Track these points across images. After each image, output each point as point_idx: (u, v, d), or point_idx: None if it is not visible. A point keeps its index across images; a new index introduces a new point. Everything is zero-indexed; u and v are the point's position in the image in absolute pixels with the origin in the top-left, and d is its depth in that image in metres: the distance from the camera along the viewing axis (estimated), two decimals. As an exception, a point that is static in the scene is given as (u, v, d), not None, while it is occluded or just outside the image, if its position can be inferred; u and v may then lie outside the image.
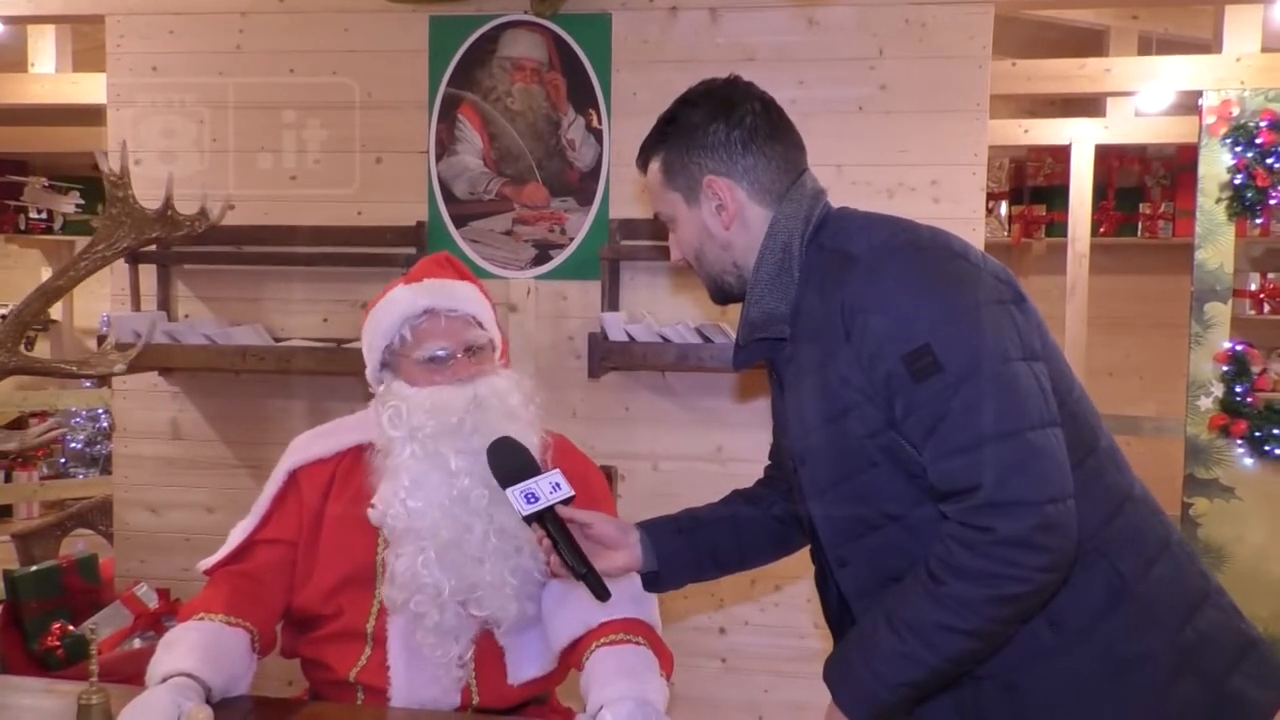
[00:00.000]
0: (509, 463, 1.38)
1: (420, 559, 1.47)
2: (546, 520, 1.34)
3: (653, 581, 1.51)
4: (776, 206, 1.34)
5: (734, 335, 2.49)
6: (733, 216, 1.35)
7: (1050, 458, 1.14)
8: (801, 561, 1.54)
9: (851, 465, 1.25)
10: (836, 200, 1.39)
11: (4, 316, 6.66)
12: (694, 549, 1.52)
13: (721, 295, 1.41)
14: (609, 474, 2.53)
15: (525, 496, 1.33)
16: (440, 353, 1.53)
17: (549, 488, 1.35)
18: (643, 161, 1.42)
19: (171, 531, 3.09)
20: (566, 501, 1.36)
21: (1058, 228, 5.04)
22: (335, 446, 1.62)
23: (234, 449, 3.08)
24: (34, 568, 2.78)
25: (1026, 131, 4.50)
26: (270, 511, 1.61)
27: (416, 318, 1.55)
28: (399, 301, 1.56)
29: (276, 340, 2.93)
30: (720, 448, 2.83)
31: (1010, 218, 5.29)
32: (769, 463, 1.62)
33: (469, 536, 1.47)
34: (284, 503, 1.62)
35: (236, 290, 3.03)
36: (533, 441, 1.49)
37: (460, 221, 2.88)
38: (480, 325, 1.57)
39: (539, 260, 2.90)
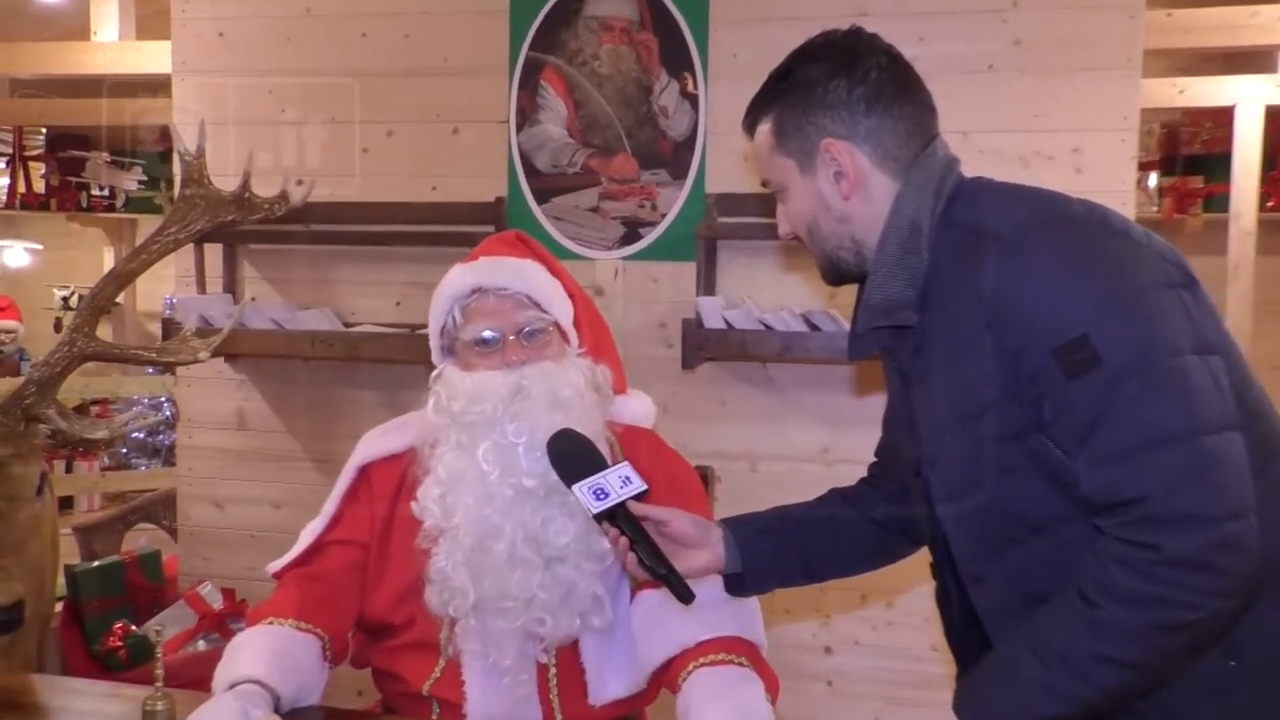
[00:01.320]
0: (572, 457, 1.39)
1: (450, 561, 1.50)
2: (619, 518, 1.34)
3: (736, 584, 1.50)
4: (903, 175, 1.32)
5: (845, 322, 2.51)
6: (853, 185, 1.33)
7: (1229, 465, 1.10)
8: (918, 573, 1.52)
9: (990, 470, 1.22)
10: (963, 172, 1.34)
11: (65, 298, 6.95)
12: (783, 551, 1.51)
13: (836, 274, 1.40)
14: (703, 476, 2.56)
15: (594, 492, 1.33)
16: (486, 334, 1.55)
17: (619, 482, 1.35)
18: (750, 123, 1.40)
19: (237, 528, 3.18)
20: (639, 497, 1.36)
21: (1217, 201, 4.91)
22: (407, 441, 1.63)
23: (301, 441, 3.15)
24: (96, 563, 2.88)
25: (1182, 92, 4.36)
26: (341, 511, 1.64)
27: (465, 297, 1.57)
28: (450, 280, 1.59)
29: (346, 325, 2.99)
30: (827, 449, 2.83)
31: (1161, 190, 5.17)
32: (875, 460, 1.62)
33: (496, 540, 1.49)
34: (355, 501, 1.64)
35: (305, 271, 3.09)
36: (593, 434, 1.49)
37: (542, 197, 2.91)
38: (537, 306, 1.57)
39: (628, 239, 2.90)
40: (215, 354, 2.88)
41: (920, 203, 1.29)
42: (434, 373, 1.59)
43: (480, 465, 1.50)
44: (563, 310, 1.61)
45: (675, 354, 2.81)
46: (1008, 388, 1.18)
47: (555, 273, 1.64)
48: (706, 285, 2.79)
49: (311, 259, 3.07)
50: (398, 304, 3.06)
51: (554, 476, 1.41)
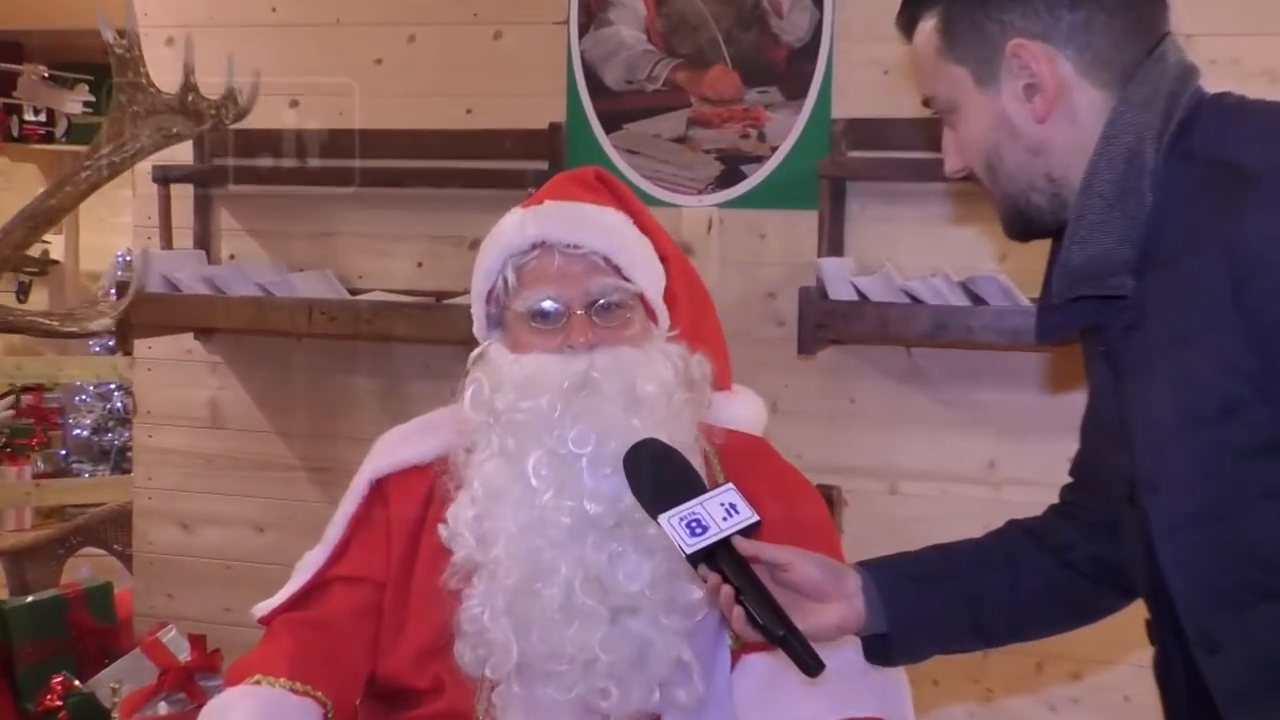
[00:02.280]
0: (657, 476, 1.40)
1: (486, 608, 1.54)
2: (720, 558, 1.34)
3: (880, 650, 1.51)
4: (1120, 90, 1.30)
5: (1021, 293, 2.52)
6: (1051, 103, 1.32)
7: None
8: (1121, 634, 1.52)
9: (1235, 496, 1.22)
10: None
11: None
12: (944, 605, 1.51)
13: (1023, 225, 1.39)
14: (827, 497, 2.47)
15: (687, 525, 1.33)
16: (546, 305, 1.58)
17: (720, 511, 1.34)
18: (908, 19, 1.40)
19: (208, 556, 3.26)
20: (748, 531, 1.35)
21: None
22: (436, 447, 1.68)
23: (294, 445, 3.23)
24: (29, 598, 2.94)
25: None
26: (348, 538, 1.69)
27: (523, 254, 1.60)
28: (505, 230, 1.62)
29: (353, 292, 3.01)
30: (994, 463, 2.85)
31: None
32: (1070, 481, 1.61)
33: (548, 582, 1.52)
34: (367, 526, 1.69)
35: (300, 222, 3.15)
36: (682, 445, 1.50)
37: (611, 123, 2.95)
38: (617, 272, 1.60)
39: (726, 180, 2.93)
40: (181, 328, 3.05)
41: (1143, 126, 1.28)
42: (475, 351, 1.64)
43: (529, 480, 1.52)
44: (651, 278, 1.64)
45: (789, 334, 2.82)
46: (1263, 383, 1.17)
47: (646, 229, 1.68)
48: (832, 243, 2.82)
49: (309, 207, 3.13)
50: (419, 265, 3.12)
51: (628, 501, 1.43)
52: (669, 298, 1.69)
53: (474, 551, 1.56)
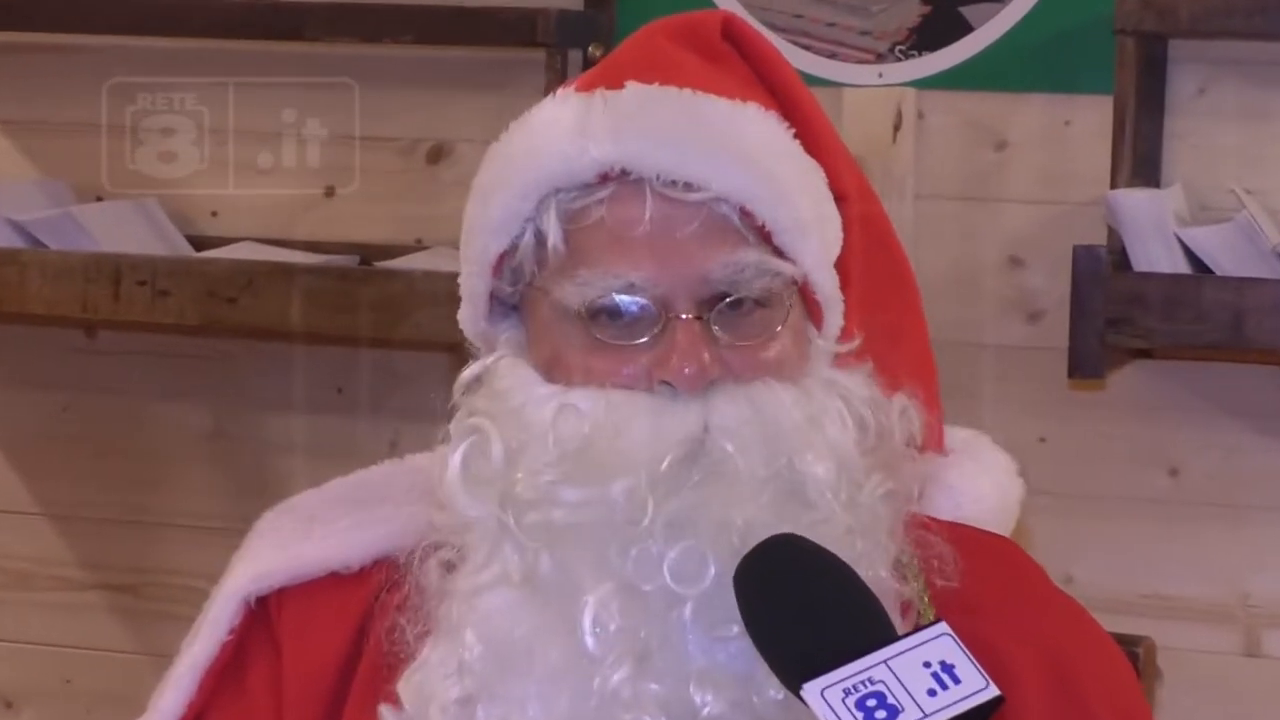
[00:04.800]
0: (804, 611, 1.12)
1: None
2: None
3: None
4: None
5: None
6: None
7: None
8: None
9: None
10: None
11: None
12: None
13: None
14: (1130, 656, 1.79)
15: (860, 707, 1.07)
16: (625, 299, 1.25)
17: (924, 679, 1.08)
18: None
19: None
20: (982, 714, 1.07)
21: None
22: (380, 540, 1.37)
23: (77, 540, 2.72)
24: None
25: None
26: (199, 712, 1.38)
27: (582, 192, 1.25)
28: (541, 136, 1.29)
29: (198, 244, 2.62)
30: None
31: None
32: None
33: None
34: (235, 690, 1.40)
35: (90, 101, 2.66)
36: (871, 560, 1.22)
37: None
38: (767, 238, 1.25)
39: (933, 35, 2.45)
40: None
41: None
42: (468, 370, 1.31)
43: (583, 641, 1.20)
44: (825, 248, 1.30)
45: (1049, 338, 2.41)
46: None
47: (819, 142, 1.34)
48: (1140, 161, 2.34)
49: (104, 69, 2.68)
50: (328, 193, 2.60)
51: (772, 688, 1.18)
52: (841, 276, 1.33)
53: None
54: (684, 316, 1.26)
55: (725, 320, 1.26)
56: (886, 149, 2.43)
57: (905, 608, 1.28)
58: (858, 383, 1.29)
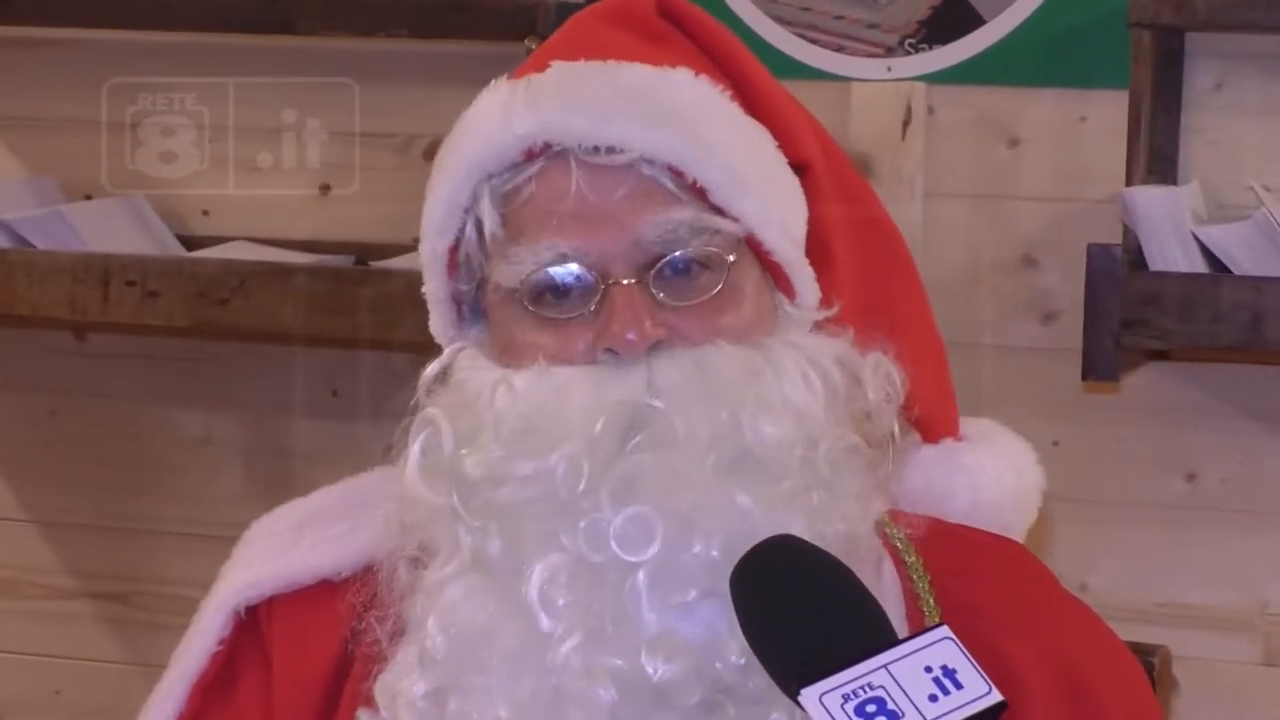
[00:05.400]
0: (801, 612, 1.12)
1: None
2: None
3: None
4: None
5: None
6: None
7: None
8: None
9: None
10: None
11: None
12: None
13: None
14: (1146, 666, 1.84)
15: (859, 712, 1.07)
16: (560, 271, 1.26)
17: (925, 683, 1.07)
18: None
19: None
20: None
21: None
22: (365, 547, 1.35)
23: (66, 547, 2.72)
24: None
25: None
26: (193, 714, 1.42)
27: (512, 171, 1.26)
28: (475, 124, 1.28)
29: (190, 243, 2.63)
30: None
31: None
32: None
33: None
34: (227, 697, 1.40)
35: (85, 97, 2.66)
36: (831, 515, 1.22)
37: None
38: (702, 195, 1.27)
39: (942, 29, 2.46)
40: None
41: None
42: (429, 368, 1.30)
43: (534, 616, 1.21)
44: (776, 206, 1.31)
45: (1063, 340, 2.41)
46: None
47: (765, 106, 1.36)
48: (1156, 157, 2.36)
49: (98, 63, 2.68)
50: (323, 190, 2.62)
51: (733, 656, 1.18)
52: (818, 248, 1.34)
53: None
54: (623, 283, 1.26)
55: (666, 283, 1.26)
56: (896, 145, 2.43)
57: (912, 608, 1.28)
58: (825, 344, 1.29)
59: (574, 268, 1.26)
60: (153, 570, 2.65)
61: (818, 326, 1.31)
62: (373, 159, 2.62)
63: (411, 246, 2.51)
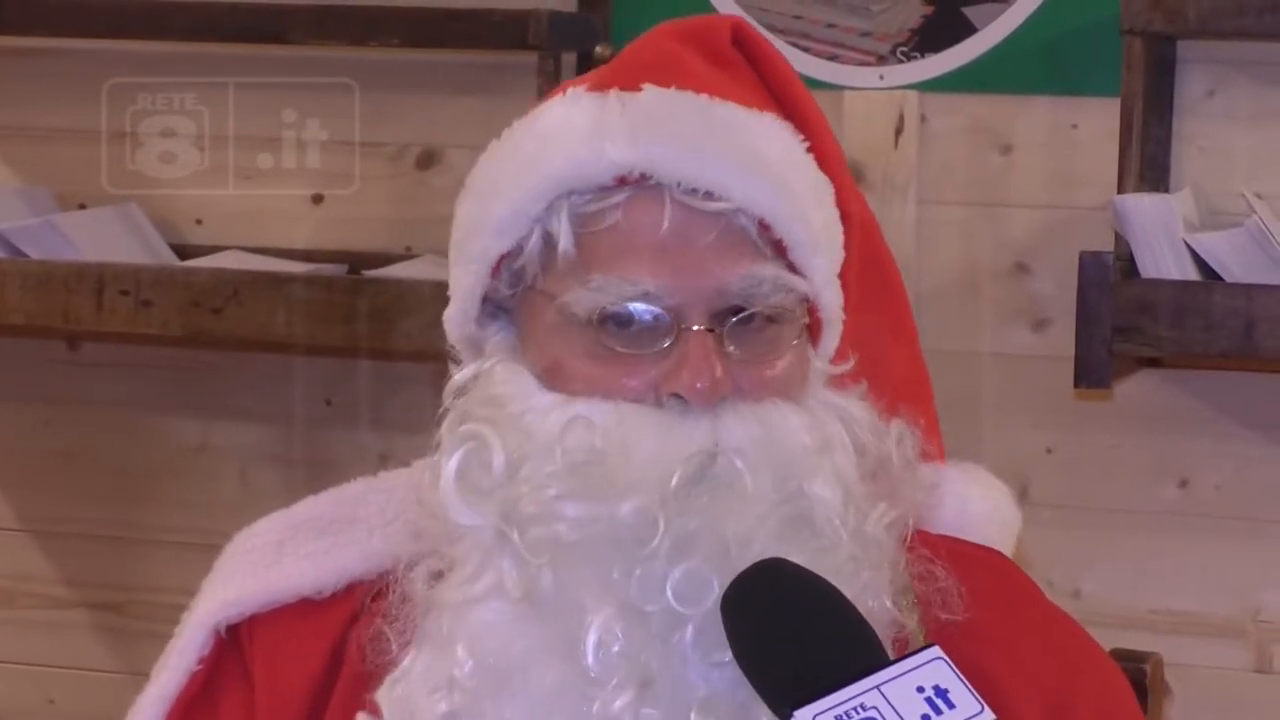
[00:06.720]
0: (792, 635, 1.15)
1: None
2: None
3: None
4: None
5: None
6: None
7: None
8: None
9: None
10: None
11: None
12: None
13: None
14: (1135, 676, 1.89)
15: None
16: (639, 307, 1.25)
17: (918, 704, 1.11)
18: None
19: None
20: None
21: None
22: (349, 564, 1.35)
23: (57, 559, 2.76)
24: None
25: None
26: None
27: (599, 195, 1.25)
28: (554, 135, 1.28)
29: (183, 253, 2.67)
30: None
31: None
32: None
33: None
34: (208, 714, 1.37)
35: (79, 107, 2.71)
36: (875, 590, 1.23)
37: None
38: (783, 253, 1.26)
39: (936, 36, 2.49)
40: None
41: None
42: (461, 372, 1.31)
43: (584, 661, 1.19)
44: (828, 259, 1.32)
45: (1055, 348, 2.44)
46: None
47: (826, 156, 1.35)
48: (1148, 165, 2.40)
49: (92, 73, 2.70)
50: (316, 199, 2.66)
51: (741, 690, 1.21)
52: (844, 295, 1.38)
53: None
54: (697, 328, 1.25)
55: (737, 335, 1.26)
56: (888, 153, 2.46)
57: (900, 644, 1.27)
58: (856, 406, 1.30)
59: (654, 307, 1.28)
60: (147, 579, 2.66)
61: (837, 380, 1.35)
62: (366, 168, 2.64)
63: (403, 255, 2.57)
